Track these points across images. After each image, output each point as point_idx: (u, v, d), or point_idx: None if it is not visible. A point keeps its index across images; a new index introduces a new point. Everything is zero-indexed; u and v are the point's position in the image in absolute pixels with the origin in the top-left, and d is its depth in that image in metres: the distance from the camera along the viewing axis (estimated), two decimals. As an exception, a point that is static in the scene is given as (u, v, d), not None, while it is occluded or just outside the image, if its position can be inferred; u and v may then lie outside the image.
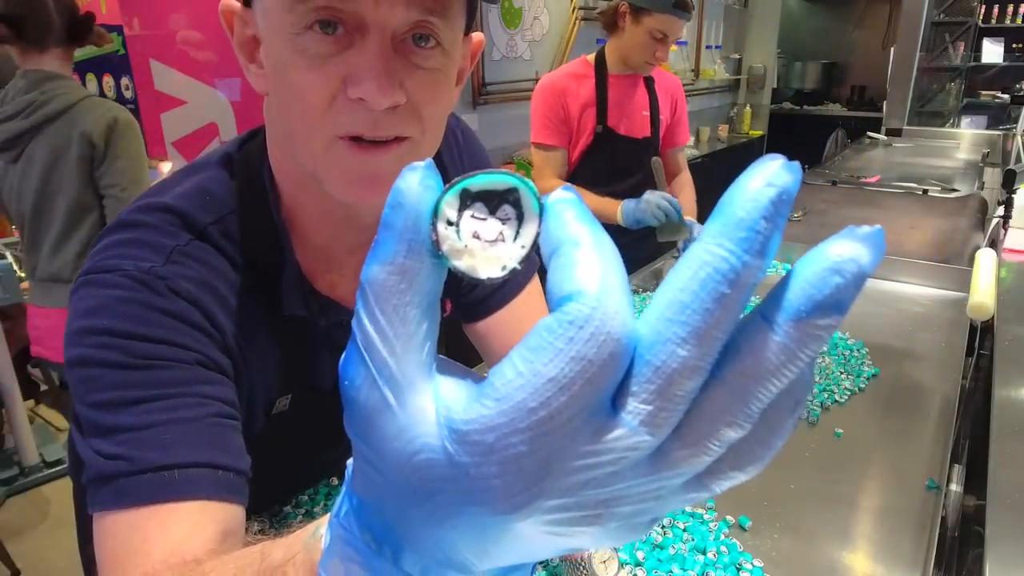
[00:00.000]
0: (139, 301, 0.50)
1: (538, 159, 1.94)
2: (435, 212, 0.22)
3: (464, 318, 0.83)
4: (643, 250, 2.04)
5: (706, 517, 0.90)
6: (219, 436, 0.51)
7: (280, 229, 0.59)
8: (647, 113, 1.97)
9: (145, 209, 0.56)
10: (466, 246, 0.22)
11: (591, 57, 1.93)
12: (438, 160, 0.72)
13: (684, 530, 0.87)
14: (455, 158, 0.75)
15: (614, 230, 1.84)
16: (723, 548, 0.83)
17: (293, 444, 0.75)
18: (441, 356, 0.24)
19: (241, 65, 0.55)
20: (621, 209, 1.82)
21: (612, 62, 1.91)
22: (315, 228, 0.61)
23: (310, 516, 0.89)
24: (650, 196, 1.78)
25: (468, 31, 0.59)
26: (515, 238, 0.23)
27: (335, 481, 0.97)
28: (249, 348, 0.59)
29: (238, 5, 0.54)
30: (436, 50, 0.52)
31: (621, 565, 0.74)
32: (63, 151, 1.54)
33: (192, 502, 0.48)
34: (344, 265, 0.64)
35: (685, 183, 2.11)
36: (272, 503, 0.91)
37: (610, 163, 1.96)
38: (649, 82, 1.97)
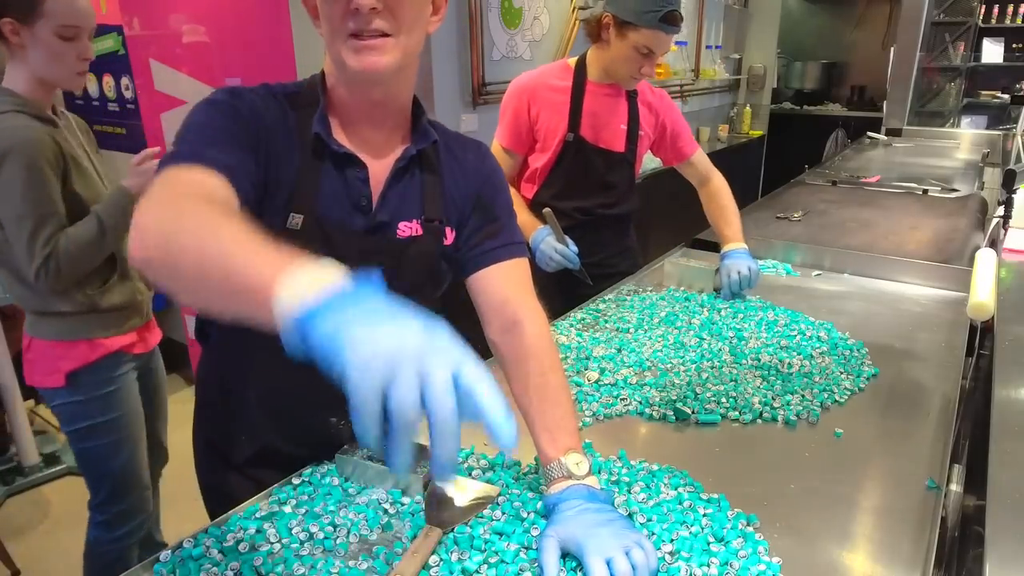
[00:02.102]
0: (222, 102, 0.90)
1: (494, 150, 1.86)
2: None
3: (464, 269, 1.05)
4: (622, 265, 2.01)
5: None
6: (238, 160, 0.86)
7: (320, 94, 0.96)
8: (625, 127, 1.86)
9: None
10: None
11: (572, 61, 1.84)
12: (431, 155, 1.02)
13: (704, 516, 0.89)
14: (467, 169, 1.05)
15: (593, 242, 1.87)
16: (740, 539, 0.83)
17: None
18: None
19: (311, 21, 0.92)
20: (531, 239, 1.75)
21: (594, 71, 1.81)
22: (344, 103, 0.96)
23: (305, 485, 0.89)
24: (544, 247, 1.73)
25: None
26: None
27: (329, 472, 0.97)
28: (283, 156, 0.93)
29: None
30: None
31: (591, 467, 0.89)
32: None
33: (215, 171, 0.80)
34: (360, 138, 0.98)
35: (719, 194, 1.90)
36: None
37: (583, 174, 1.86)
38: (632, 95, 1.86)
